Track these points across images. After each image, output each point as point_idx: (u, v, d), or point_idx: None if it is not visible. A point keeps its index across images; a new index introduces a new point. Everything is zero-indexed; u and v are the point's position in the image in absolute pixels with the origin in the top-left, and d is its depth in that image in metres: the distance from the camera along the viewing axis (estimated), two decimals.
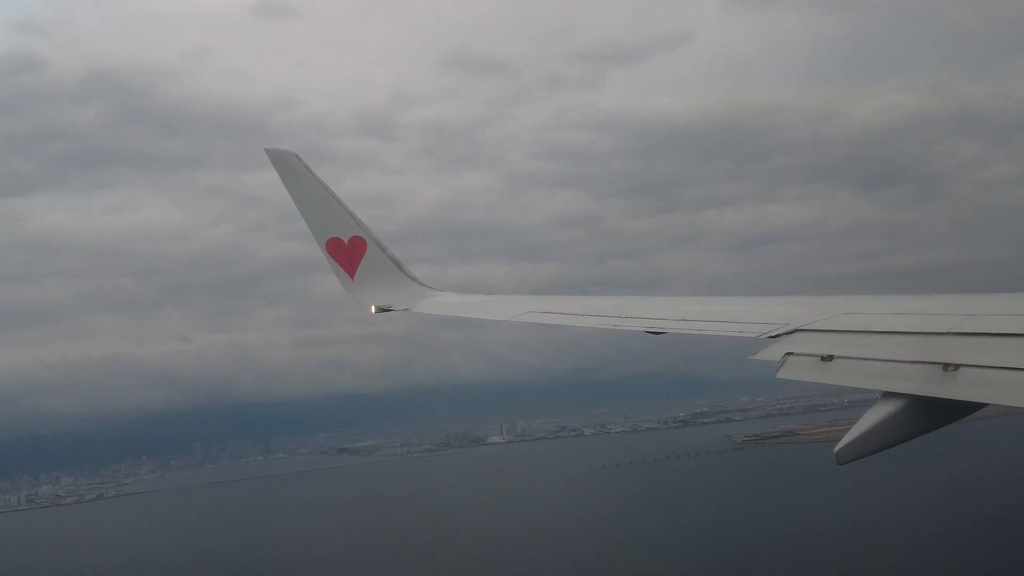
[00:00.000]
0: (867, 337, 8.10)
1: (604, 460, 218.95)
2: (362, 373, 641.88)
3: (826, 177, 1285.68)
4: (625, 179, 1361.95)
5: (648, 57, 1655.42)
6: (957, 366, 6.48)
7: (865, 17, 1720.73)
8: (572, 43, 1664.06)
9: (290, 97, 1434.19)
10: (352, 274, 15.81)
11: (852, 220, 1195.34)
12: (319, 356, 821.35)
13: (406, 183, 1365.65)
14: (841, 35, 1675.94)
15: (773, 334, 8.62)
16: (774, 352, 8.17)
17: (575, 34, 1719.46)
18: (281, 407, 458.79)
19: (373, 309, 15.64)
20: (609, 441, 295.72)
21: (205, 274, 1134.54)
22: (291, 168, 15.66)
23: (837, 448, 6.63)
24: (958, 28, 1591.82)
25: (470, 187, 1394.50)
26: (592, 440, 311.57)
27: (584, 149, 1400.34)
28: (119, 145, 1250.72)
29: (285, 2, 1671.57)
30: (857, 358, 7.63)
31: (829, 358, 7.60)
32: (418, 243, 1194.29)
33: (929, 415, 6.58)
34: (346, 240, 15.75)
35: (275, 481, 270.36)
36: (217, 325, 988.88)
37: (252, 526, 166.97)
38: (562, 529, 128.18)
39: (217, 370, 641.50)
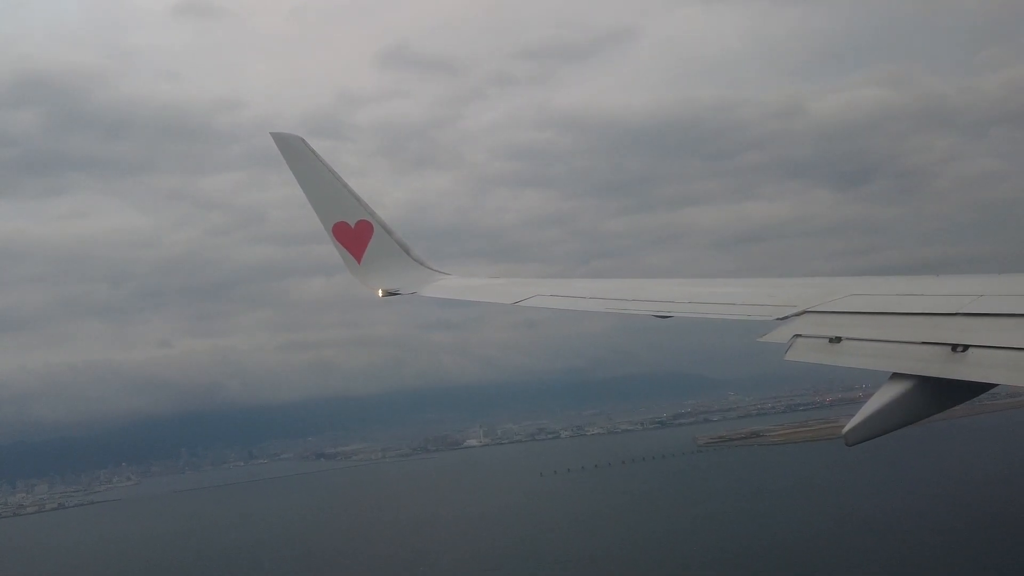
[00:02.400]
0: (875, 318, 7.90)
1: (565, 464, 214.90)
2: (351, 376, 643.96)
3: (799, 174, 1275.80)
4: (592, 178, 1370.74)
5: (596, 53, 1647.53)
6: (966, 347, 6.44)
7: (818, 11, 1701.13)
8: (517, 40, 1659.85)
9: (232, 99, 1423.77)
10: (359, 258, 15.72)
11: (834, 217, 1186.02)
12: (306, 360, 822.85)
13: (367, 184, 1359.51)
14: (794, 29, 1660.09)
15: (781, 316, 8.47)
16: (782, 334, 8.06)
17: (519, 31, 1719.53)
18: (270, 412, 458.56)
19: (380, 293, 15.45)
20: (582, 444, 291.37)
21: (178, 279, 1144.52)
22: (296, 152, 15.47)
23: (845, 429, 6.50)
24: (917, 22, 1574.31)
25: (434, 188, 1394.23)
26: (566, 443, 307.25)
27: (545, 148, 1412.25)
28: (65, 150, 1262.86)
29: (208, 2, 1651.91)
30: (865, 339, 7.48)
31: (837, 340, 7.52)
32: None
33: (937, 396, 6.54)
34: (352, 224, 15.68)
35: (246, 488, 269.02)
36: (198, 330, 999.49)
37: (194, 539, 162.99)
38: (450, 543, 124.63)
39: (202, 375, 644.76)
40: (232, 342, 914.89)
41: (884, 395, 6.58)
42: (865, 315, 8.07)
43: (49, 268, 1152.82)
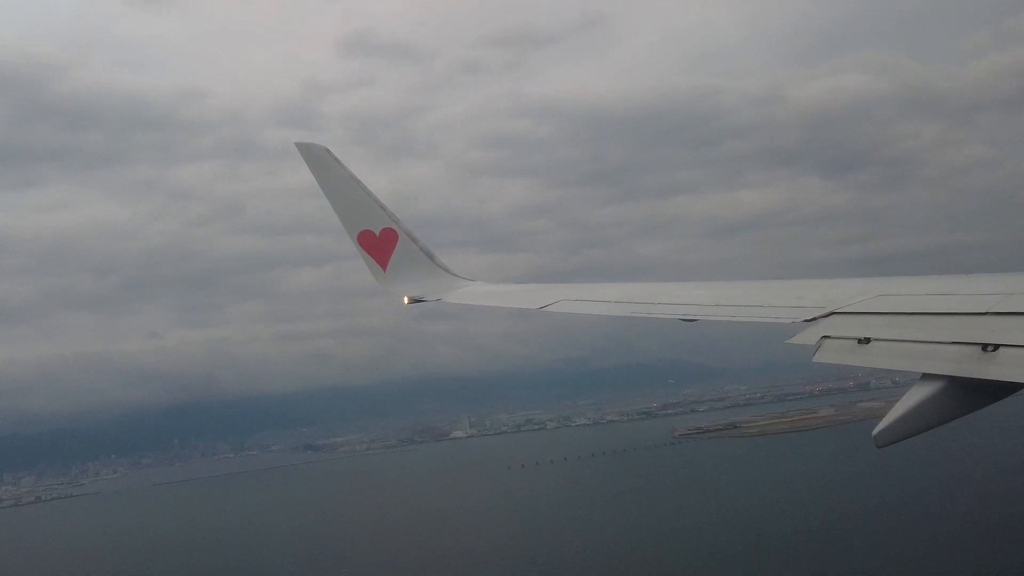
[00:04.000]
0: (904, 319, 7.82)
1: (540, 457, 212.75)
2: (347, 367, 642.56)
3: (787, 162, 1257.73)
4: (575, 167, 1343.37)
5: (565, 40, 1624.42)
6: (996, 346, 6.36)
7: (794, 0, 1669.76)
8: (484, 27, 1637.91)
9: (195, 88, 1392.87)
10: (384, 266, 15.83)
11: (826, 205, 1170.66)
12: (301, 350, 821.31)
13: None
14: (770, 17, 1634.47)
15: (808, 318, 8.42)
16: (810, 336, 8.02)
17: (484, 17, 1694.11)
18: (265, 402, 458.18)
19: (406, 300, 15.60)
20: (566, 435, 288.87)
21: (163, 270, 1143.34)
22: (321, 162, 15.55)
23: (875, 431, 6.48)
24: (895, 9, 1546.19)
25: (415, 178, 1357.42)
26: (551, 434, 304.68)
27: (523, 137, 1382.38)
28: (32, 141, 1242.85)
29: None
30: (894, 340, 7.41)
31: (866, 341, 7.48)
32: None
33: (968, 396, 6.50)
34: (377, 232, 15.74)
35: (226, 481, 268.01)
36: (189, 321, 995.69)
37: (148, 535, 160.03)
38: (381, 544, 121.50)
39: (196, 366, 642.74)
40: (225, 333, 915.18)
41: (914, 396, 6.50)
42: (893, 315, 7.96)
43: (32, 260, 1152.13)
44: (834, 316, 8.27)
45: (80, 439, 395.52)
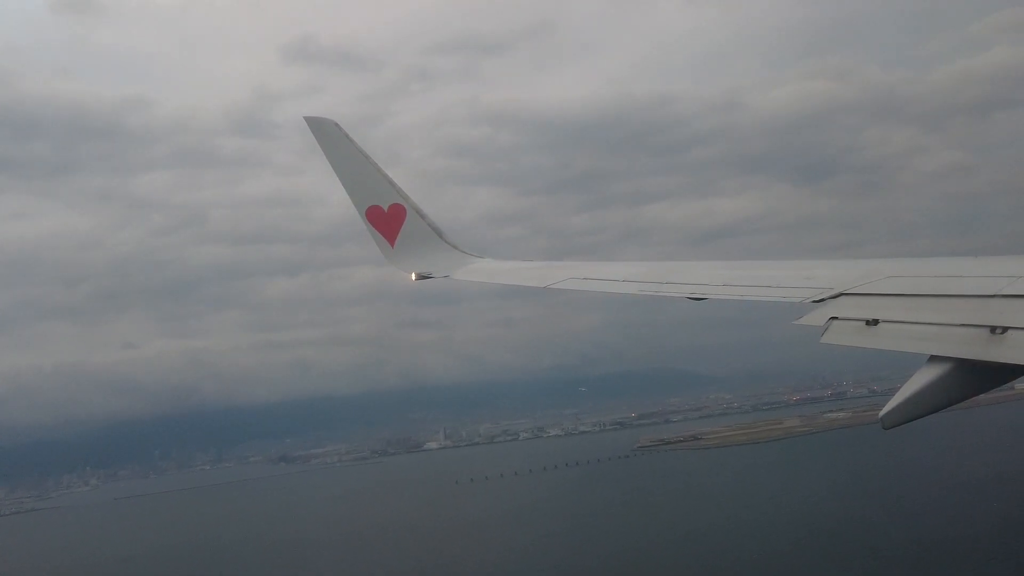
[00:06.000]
0: (913, 300, 7.87)
1: (501, 468, 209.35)
2: (332, 376, 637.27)
3: (757, 169, 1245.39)
4: (542, 175, 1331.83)
5: (515, 47, 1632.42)
6: (1005, 329, 6.39)
7: (742, 5, 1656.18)
8: (429, 35, 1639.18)
9: (138, 96, 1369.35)
10: (392, 241, 15.73)
11: (804, 212, 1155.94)
12: (284, 360, 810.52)
13: (308, 182, 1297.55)
14: (720, 24, 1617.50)
15: (817, 299, 8.43)
16: (818, 317, 8.03)
17: (430, 26, 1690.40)
18: (249, 413, 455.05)
19: (414, 276, 15.39)
20: (535, 447, 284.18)
21: (134, 280, 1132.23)
22: (330, 136, 15.52)
23: (882, 413, 6.54)
24: (848, 16, 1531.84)
25: None
26: (522, 445, 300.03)
27: (484, 145, 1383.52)
28: None
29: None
30: (903, 322, 7.46)
31: (874, 322, 7.49)
32: (352, 244, 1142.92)
33: (976, 379, 6.53)
34: (386, 208, 15.71)
35: (194, 494, 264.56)
36: (166, 331, 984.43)
37: (72, 554, 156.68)
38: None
39: (176, 376, 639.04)
40: (205, 343, 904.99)
41: (921, 378, 6.51)
42: (902, 297, 7.94)
43: None
44: (843, 297, 8.20)
45: (61, 451, 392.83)
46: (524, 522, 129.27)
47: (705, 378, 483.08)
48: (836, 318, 7.74)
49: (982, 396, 6.75)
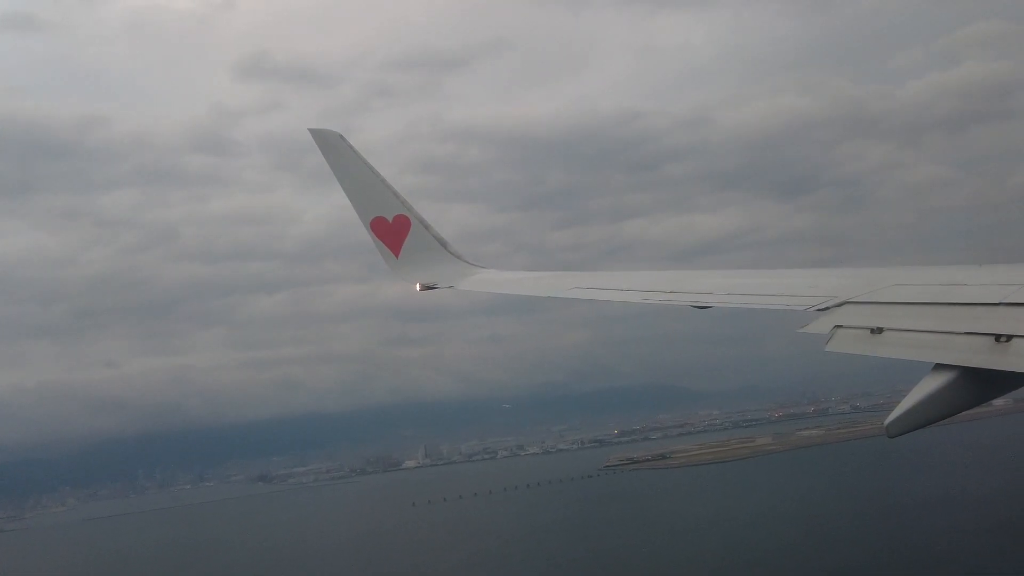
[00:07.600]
0: (917, 308, 7.81)
1: (470, 489, 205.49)
2: (320, 393, 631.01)
3: (734, 185, 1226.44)
4: (516, 191, 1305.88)
5: (474, 63, 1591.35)
6: (1009, 337, 6.37)
7: (703, 21, 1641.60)
8: (384, 51, 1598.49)
9: (95, 115, 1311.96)
10: (396, 252, 15.82)
11: (787, 228, 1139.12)
12: (270, 377, 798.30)
13: (279, 200, 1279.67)
14: (700, 39, 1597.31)
15: (822, 307, 8.40)
16: (822, 325, 8.01)
17: (385, 42, 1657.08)
18: (235, 431, 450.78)
19: (418, 287, 15.52)
20: (510, 465, 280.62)
21: (110, 298, 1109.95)
22: (335, 148, 15.76)
23: (887, 421, 6.48)
24: (814, 31, 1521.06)
25: (350, 204, 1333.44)
26: (498, 464, 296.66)
27: (452, 161, 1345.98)
28: None
29: (29, 16, 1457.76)
30: (907, 330, 7.41)
31: (879, 330, 7.46)
32: (330, 261, 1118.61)
33: (980, 387, 6.49)
34: (390, 219, 15.81)
35: (167, 514, 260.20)
36: (149, 349, 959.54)
37: None
38: None
39: (161, 395, 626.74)
40: (189, 360, 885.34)
41: (926, 386, 6.46)
42: (907, 305, 7.90)
43: None
44: (848, 305, 8.16)
45: (44, 469, 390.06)
46: (446, 546, 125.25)
47: (696, 394, 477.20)
48: (841, 326, 7.68)
49: (993, 406, 4.98)
